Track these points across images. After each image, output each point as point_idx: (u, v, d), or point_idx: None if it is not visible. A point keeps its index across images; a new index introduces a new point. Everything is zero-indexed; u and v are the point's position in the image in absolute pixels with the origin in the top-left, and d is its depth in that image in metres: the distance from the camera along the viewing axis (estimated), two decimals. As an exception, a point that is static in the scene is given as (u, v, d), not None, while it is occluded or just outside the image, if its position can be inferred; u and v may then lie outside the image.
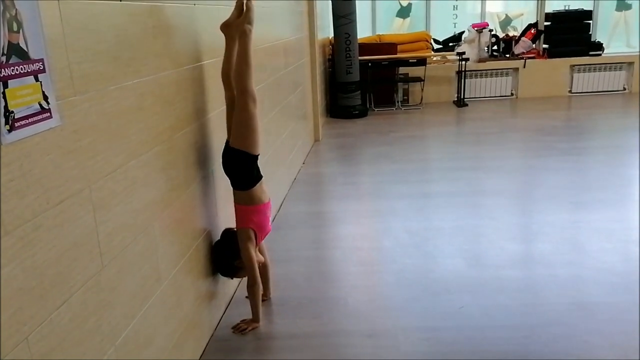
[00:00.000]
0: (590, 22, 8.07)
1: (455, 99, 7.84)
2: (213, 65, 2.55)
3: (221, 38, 2.72)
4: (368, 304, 2.67)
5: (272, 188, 3.77)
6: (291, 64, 4.69)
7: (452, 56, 7.99)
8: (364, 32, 7.88)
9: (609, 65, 8.08)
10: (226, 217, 2.68)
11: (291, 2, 4.86)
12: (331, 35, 7.53)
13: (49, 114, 1.32)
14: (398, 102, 7.82)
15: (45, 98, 1.31)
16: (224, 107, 2.69)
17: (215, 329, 2.49)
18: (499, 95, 8.05)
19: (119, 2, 1.72)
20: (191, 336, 2.21)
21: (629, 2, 8.55)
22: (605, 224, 3.45)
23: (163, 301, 1.94)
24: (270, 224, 2.61)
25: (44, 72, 1.30)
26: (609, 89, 8.13)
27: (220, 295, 2.62)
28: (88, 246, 1.49)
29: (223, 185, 2.65)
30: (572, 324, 2.35)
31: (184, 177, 2.16)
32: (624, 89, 8.15)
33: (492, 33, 8.10)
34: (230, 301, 2.73)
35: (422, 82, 7.65)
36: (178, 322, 2.08)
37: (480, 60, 7.94)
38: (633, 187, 4.41)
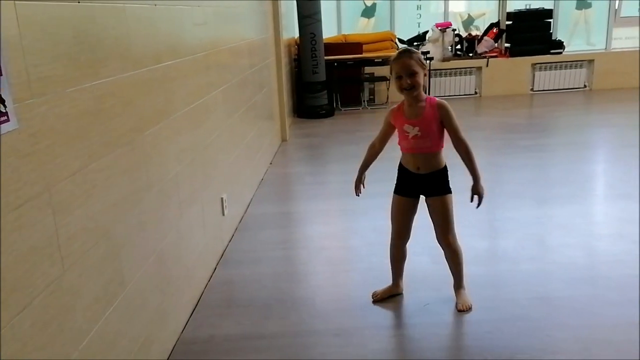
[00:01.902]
0: (551, 20, 8.27)
1: (421, 98, 7.92)
2: (176, 66, 2.52)
3: (184, 38, 2.69)
4: (335, 303, 2.68)
5: (239, 188, 3.76)
6: (256, 64, 4.66)
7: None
8: (329, 31, 7.90)
9: (570, 63, 8.30)
10: (189, 219, 2.65)
11: (255, 2, 4.84)
12: (297, 35, 7.52)
13: (5, 118, 1.29)
14: (364, 101, 7.87)
15: (2, 101, 1.28)
16: (188, 108, 2.67)
17: (182, 331, 2.46)
18: (463, 93, 8.19)
19: (78, 3, 1.68)
20: (157, 339, 2.18)
21: (588, 0, 8.80)
22: (568, 220, 3.54)
23: (127, 304, 1.91)
24: None
25: (0, 75, 1.27)
26: (570, 87, 8.35)
27: (188, 297, 2.59)
28: (48, 250, 1.46)
29: (187, 187, 2.62)
30: (536, 319, 2.41)
31: (147, 179, 2.13)
32: (585, 86, 8.38)
33: (456, 32, 8.22)
34: (197, 303, 2.70)
35: (387, 82, 7.71)
36: (143, 325, 2.05)
37: (444, 60, 8.05)
38: (594, 182, 4.55)
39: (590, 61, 8.34)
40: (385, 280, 2.83)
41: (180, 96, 2.59)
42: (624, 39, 8.79)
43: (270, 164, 5.18)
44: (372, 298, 2.63)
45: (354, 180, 2.72)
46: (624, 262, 2.90)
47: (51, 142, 1.49)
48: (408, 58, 2.32)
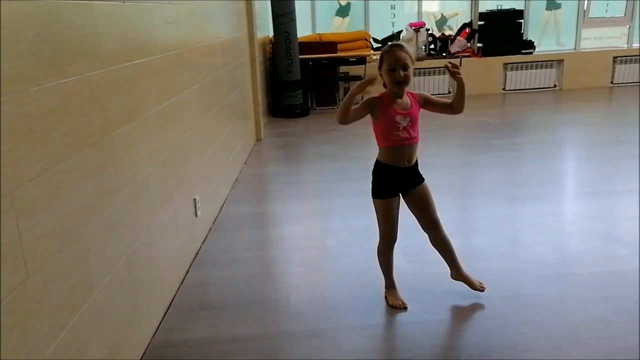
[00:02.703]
0: (522, 21, 8.40)
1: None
2: (146, 64, 2.47)
3: (154, 36, 2.64)
4: (310, 304, 2.66)
5: (212, 189, 3.72)
6: (230, 63, 4.62)
7: (391, 55, 8.10)
8: (303, 31, 7.88)
9: (540, 63, 8.44)
10: (161, 221, 2.61)
11: (228, 0, 4.78)
12: (271, 34, 7.48)
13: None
14: (339, 100, 7.86)
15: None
16: (160, 107, 2.62)
17: (154, 335, 2.42)
18: (437, 93, 8.24)
19: (41, 0, 1.63)
20: (127, 344, 2.14)
21: (558, 1, 8.95)
22: (538, 218, 3.59)
23: (96, 309, 1.87)
24: None
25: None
26: (541, 86, 8.49)
27: (159, 300, 2.55)
28: (11, 255, 1.42)
29: (159, 189, 2.58)
30: (507, 316, 2.43)
31: (116, 181, 2.08)
32: (555, 85, 8.53)
33: (429, 32, 8.28)
34: (169, 306, 2.65)
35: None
36: (112, 330, 2.00)
37: (418, 59, 8.09)
38: (563, 181, 4.63)
39: (560, 61, 8.49)
40: (360, 280, 2.84)
41: (151, 95, 2.54)
42: (593, 39, 8.98)
43: (245, 163, 5.14)
44: (402, 306, 2.54)
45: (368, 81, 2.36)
46: (593, 260, 2.95)
47: (13, 144, 1.44)
48: (402, 51, 2.34)
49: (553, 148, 5.55)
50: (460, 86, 2.41)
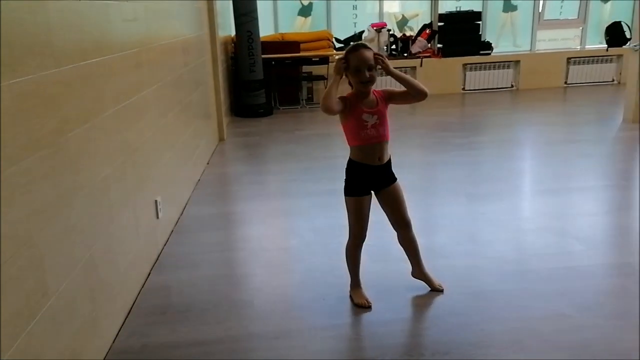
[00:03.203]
0: (480, 22, 8.58)
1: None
2: (104, 63, 2.40)
3: (113, 34, 2.58)
4: (275, 305, 2.64)
5: (174, 190, 3.65)
6: (191, 62, 4.55)
7: (354, 55, 8.15)
8: (265, 30, 7.84)
9: (498, 63, 8.64)
10: (121, 223, 2.54)
11: (189, -2, 4.71)
12: (233, 33, 7.41)
13: None
14: (303, 100, 7.87)
15: None
16: (119, 107, 2.56)
17: (114, 341, 2.35)
18: (400, 92, 8.34)
19: (-11, -6, 1.56)
20: (87, 350, 2.07)
21: (514, 3, 9.18)
22: (498, 215, 3.67)
23: (53, 316, 1.80)
24: None
25: None
26: (499, 86, 8.69)
27: (119, 305, 2.48)
28: (-41, 264, 1.35)
29: (119, 190, 2.51)
30: (469, 313, 2.47)
31: (73, 183, 2.02)
32: (512, 86, 8.75)
33: (391, 33, 8.37)
34: (130, 311, 2.59)
35: (325, 81, 7.75)
36: (71, 337, 1.94)
37: (381, 59, 8.16)
38: (522, 179, 4.75)
39: (517, 62, 8.72)
40: (325, 280, 2.84)
41: (110, 95, 2.48)
42: (547, 41, 9.25)
43: (208, 163, 5.07)
44: (367, 304, 2.54)
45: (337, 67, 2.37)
46: (550, 256, 3.03)
47: (-38, 146, 1.38)
48: (367, 51, 2.35)
49: (511, 147, 5.69)
50: (398, 78, 2.40)
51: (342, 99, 2.39)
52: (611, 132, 6.04)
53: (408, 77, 2.45)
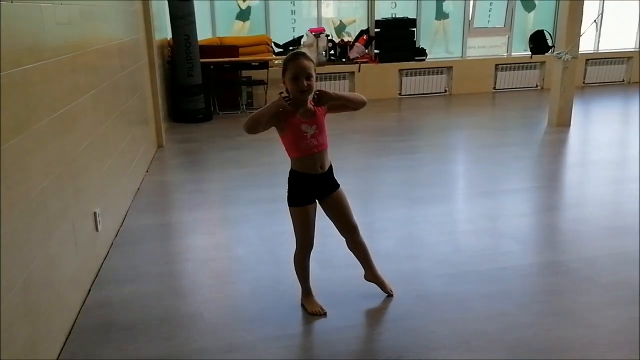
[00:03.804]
0: (415, 29, 8.82)
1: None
2: (38, 69, 2.28)
3: (46, 39, 2.45)
4: (225, 317, 2.60)
5: (113, 200, 3.51)
6: (128, 66, 4.39)
7: (292, 60, 8.16)
8: (203, 34, 7.70)
9: (432, 69, 8.91)
10: (59, 238, 2.41)
11: (124, 1, 4.55)
12: (169, 36, 7.23)
13: None
14: (243, 105, 7.78)
15: None
16: (55, 115, 2.43)
17: (61, 351, 2.23)
18: (338, 97, 8.42)
19: None
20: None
21: (446, 11, 9.49)
22: (439, 218, 3.78)
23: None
24: None
25: None
26: (433, 91, 8.96)
27: (59, 325, 2.35)
28: None
29: (56, 204, 2.39)
30: (418, 316, 2.53)
31: (7, 199, 1.89)
32: (445, 91, 9.05)
33: (329, 38, 8.44)
34: (70, 330, 2.46)
35: (265, 85, 7.71)
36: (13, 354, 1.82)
37: (319, 64, 8.22)
38: (459, 182, 4.92)
39: (449, 68, 9.03)
40: (275, 289, 2.82)
41: (44, 103, 2.35)
42: (477, 48, 9.63)
43: (147, 171, 4.91)
44: (322, 312, 2.53)
45: (278, 104, 2.34)
46: (491, 256, 3.16)
47: None
48: (306, 60, 2.35)
49: (447, 150, 5.89)
50: (342, 99, 2.44)
51: (277, 113, 2.36)
52: (538, 135, 6.37)
53: (349, 95, 2.47)
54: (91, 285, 2.85)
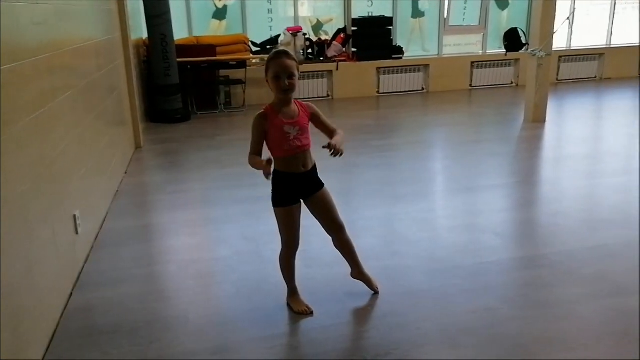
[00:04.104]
0: (391, 28, 8.87)
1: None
2: (15, 70, 2.22)
3: (23, 39, 2.40)
4: (210, 318, 2.57)
5: (93, 203, 3.45)
6: (104, 66, 4.32)
7: (270, 59, 8.14)
8: (179, 33, 7.61)
9: (409, 67, 8.98)
10: (40, 243, 2.36)
11: (99, 0, 4.47)
12: (145, 35, 7.13)
13: None
14: (221, 105, 7.73)
15: None
16: (32, 117, 2.38)
17: (44, 357, 2.19)
18: (316, 96, 8.43)
19: None
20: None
21: (422, 10, 9.57)
22: (422, 215, 3.81)
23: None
24: None
25: None
26: (411, 89, 9.03)
27: (41, 330, 2.30)
28: None
29: (36, 207, 2.33)
30: (405, 313, 2.54)
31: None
32: (423, 88, 9.12)
33: (306, 37, 8.44)
34: (53, 335, 2.41)
35: (243, 85, 7.67)
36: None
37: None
38: (439, 178, 4.96)
39: (426, 66, 9.10)
40: (260, 289, 2.80)
41: (22, 104, 2.29)
42: (453, 46, 9.73)
43: (126, 173, 4.84)
44: (308, 311, 2.54)
45: (260, 166, 2.32)
46: (474, 251, 3.19)
47: None
48: (287, 59, 2.33)
49: (426, 147, 5.93)
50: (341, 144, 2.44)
51: (260, 122, 2.37)
52: (515, 131, 6.46)
53: (343, 136, 2.49)
54: (72, 289, 2.80)
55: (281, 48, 2.53)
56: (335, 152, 2.36)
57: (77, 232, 2.98)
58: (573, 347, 2.25)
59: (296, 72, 2.35)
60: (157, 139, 6.25)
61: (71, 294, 2.77)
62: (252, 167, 2.39)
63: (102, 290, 2.84)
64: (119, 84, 5.05)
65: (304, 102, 2.49)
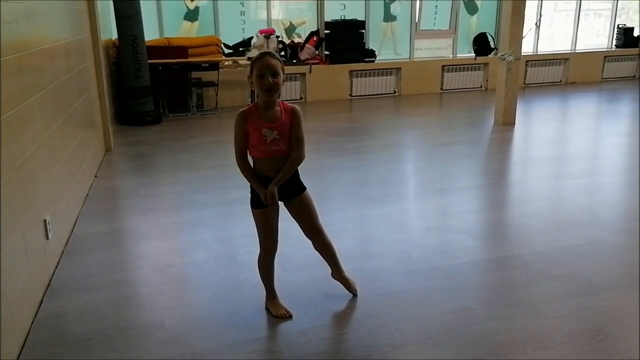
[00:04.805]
0: (364, 31, 8.92)
1: (249, 103, 7.94)
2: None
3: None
4: (187, 324, 2.52)
5: (63, 207, 3.37)
6: (74, 67, 4.22)
7: (243, 61, 8.10)
8: (150, 34, 7.49)
9: (381, 70, 9.04)
10: (10, 249, 2.29)
11: (69, 0, 4.37)
12: (114, 36, 7.00)
13: None
14: (193, 107, 7.64)
15: None
16: (1, 119, 2.30)
17: (8, 382, 2.11)
18: (290, 99, 8.40)
19: None
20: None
21: (393, 13, 9.65)
22: (397, 216, 3.83)
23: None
24: None
25: None
26: (383, 92, 9.09)
27: (10, 341, 2.22)
28: None
29: (4, 212, 2.26)
30: (384, 314, 2.55)
31: (-45, 208, 1.77)
32: (395, 92, 9.20)
33: (279, 39, 8.41)
34: (23, 345, 2.33)
35: (216, 87, 7.60)
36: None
37: (270, 66, 8.17)
38: (413, 180, 5.00)
39: (398, 69, 9.18)
40: (235, 292, 2.77)
41: (-10, 106, 2.22)
42: (424, 50, 9.84)
43: (96, 176, 4.73)
44: (287, 315, 2.52)
45: (263, 196, 2.36)
46: (449, 252, 3.23)
47: None
48: (272, 58, 2.31)
49: (400, 150, 5.98)
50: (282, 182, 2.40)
51: (242, 120, 2.36)
52: (485, 133, 6.57)
53: (289, 169, 2.42)
54: (43, 296, 2.72)
55: (267, 50, 2.51)
56: (269, 196, 2.35)
57: (47, 238, 2.89)
58: (548, 345, 2.29)
59: (281, 72, 2.32)
60: (128, 141, 6.13)
61: (42, 301, 2.69)
62: (244, 177, 2.43)
63: (74, 297, 2.76)
64: (88, 85, 4.94)
65: (290, 105, 2.42)
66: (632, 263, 3.04)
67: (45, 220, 2.87)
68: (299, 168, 2.52)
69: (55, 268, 3.03)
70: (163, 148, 5.87)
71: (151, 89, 6.94)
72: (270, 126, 2.35)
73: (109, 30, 7.03)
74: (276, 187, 2.37)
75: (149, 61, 6.87)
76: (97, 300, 2.73)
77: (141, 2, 6.75)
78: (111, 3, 6.69)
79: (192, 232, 3.64)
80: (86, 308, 2.65)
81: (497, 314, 2.54)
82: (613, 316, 2.51)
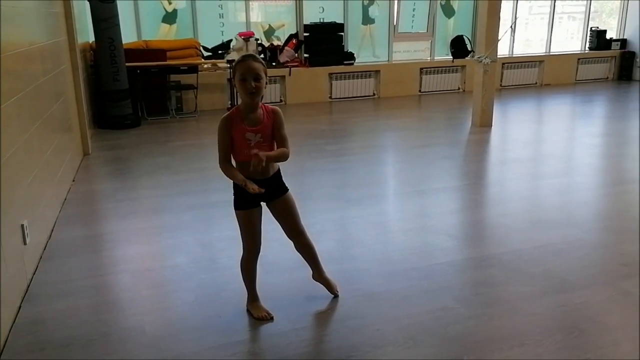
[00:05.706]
0: (343, 34, 8.97)
1: (229, 106, 7.95)
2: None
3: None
4: (168, 328, 2.52)
5: (40, 212, 3.33)
6: (50, 70, 4.17)
7: (222, 64, 8.08)
8: (127, 37, 7.44)
9: (361, 73, 9.10)
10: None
11: (44, 2, 4.32)
12: (91, 39, 6.93)
13: None
14: (172, 110, 7.59)
15: None
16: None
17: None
18: (270, 101, 8.41)
19: None
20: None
21: (372, 16, 9.72)
22: (376, 218, 3.87)
23: None
24: None
25: None
26: (362, 95, 9.16)
27: (-12, 348, 2.20)
28: None
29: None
30: (364, 315, 2.57)
31: None
32: (374, 94, 9.27)
33: (259, 42, 8.41)
34: (1, 351, 2.30)
35: (195, 90, 7.57)
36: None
37: (250, 68, 8.16)
38: (393, 182, 5.05)
39: (377, 71, 9.26)
40: (216, 295, 2.77)
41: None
42: (402, 52, 9.93)
43: (74, 181, 4.68)
44: (268, 317, 2.53)
45: (244, 184, 2.30)
46: (428, 252, 3.27)
47: None
48: (254, 61, 2.32)
49: (379, 152, 6.03)
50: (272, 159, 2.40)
51: (225, 125, 2.35)
52: (463, 135, 6.66)
53: (280, 154, 2.41)
54: (21, 302, 2.69)
55: (249, 53, 2.52)
56: (256, 162, 2.27)
57: (25, 243, 2.86)
58: (525, 343, 2.34)
59: (263, 75, 2.34)
60: (106, 145, 6.08)
61: (20, 307, 2.66)
62: (228, 177, 2.39)
63: (53, 302, 2.73)
64: (65, 89, 4.89)
65: (270, 107, 2.44)
66: (606, 261, 3.12)
67: (22, 225, 2.83)
68: (281, 169, 2.53)
69: (34, 273, 2.99)
70: (142, 151, 5.83)
71: (129, 92, 6.89)
72: (254, 130, 2.37)
73: (86, 33, 6.96)
74: (265, 157, 2.29)
75: (127, 64, 6.82)
76: (77, 305, 2.71)
77: (118, 4, 6.70)
78: (88, 5, 6.62)
79: (172, 235, 3.62)
80: (65, 313, 2.63)
81: (475, 312, 2.59)
82: (588, 313, 2.58)
